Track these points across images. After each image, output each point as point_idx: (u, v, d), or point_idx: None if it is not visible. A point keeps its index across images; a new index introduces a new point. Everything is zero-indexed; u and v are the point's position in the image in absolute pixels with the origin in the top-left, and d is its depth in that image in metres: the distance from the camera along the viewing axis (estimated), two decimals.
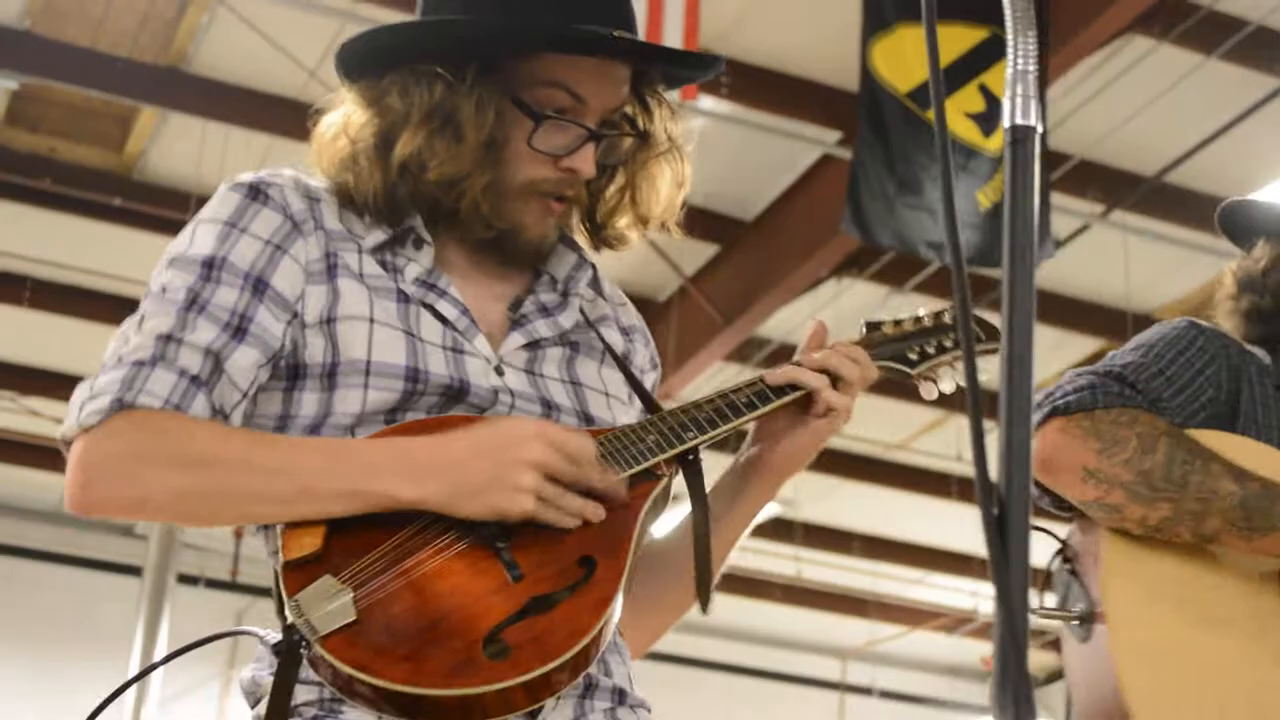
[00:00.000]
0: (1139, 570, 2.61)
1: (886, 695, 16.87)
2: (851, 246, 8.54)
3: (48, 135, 9.44)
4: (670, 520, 2.16)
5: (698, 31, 6.86)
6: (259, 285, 1.97)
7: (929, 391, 2.29)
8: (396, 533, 1.83)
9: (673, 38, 6.71)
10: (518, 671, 1.73)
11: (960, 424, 11.09)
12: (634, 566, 1.91)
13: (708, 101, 8.40)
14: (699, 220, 9.58)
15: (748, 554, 13.83)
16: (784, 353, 8.61)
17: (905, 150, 6.91)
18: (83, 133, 9.45)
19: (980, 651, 15.46)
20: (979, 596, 14.14)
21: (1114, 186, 9.02)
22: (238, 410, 1.94)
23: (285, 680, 1.77)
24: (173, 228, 5.99)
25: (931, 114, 6.24)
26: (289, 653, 1.77)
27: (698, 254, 9.95)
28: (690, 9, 6.80)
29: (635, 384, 2.16)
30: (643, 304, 10.30)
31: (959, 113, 6.81)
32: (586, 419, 2.07)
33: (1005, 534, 1.25)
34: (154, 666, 1.96)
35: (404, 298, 2.03)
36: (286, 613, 1.76)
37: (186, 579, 12.49)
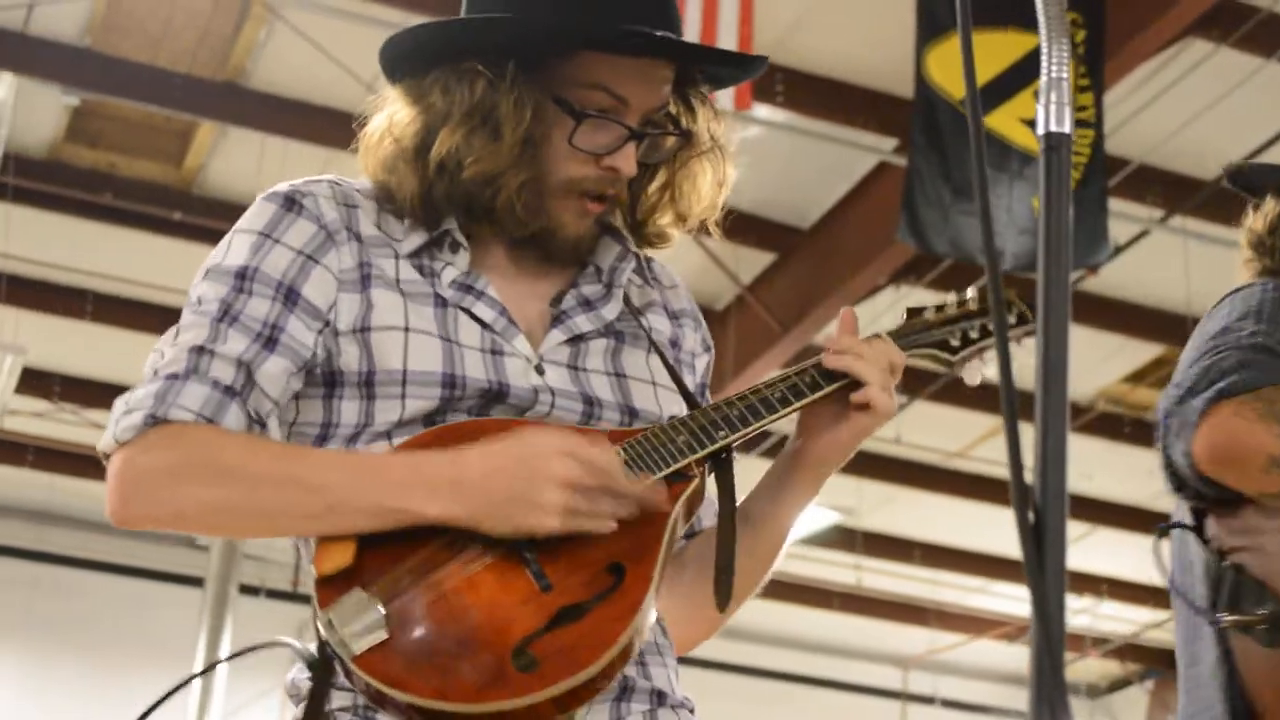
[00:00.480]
0: None
1: (948, 704, 16.78)
2: (910, 253, 8.50)
3: (108, 151, 9.52)
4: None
5: (752, 39, 6.85)
6: (290, 295, 1.99)
7: (973, 377, 2.25)
8: (426, 545, 1.84)
9: (727, 45, 6.70)
10: (545, 684, 1.73)
11: (1027, 434, 11.02)
12: (664, 569, 1.90)
13: (763, 110, 8.39)
14: (755, 229, 9.56)
15: (808, 563, 13.80)
16: None
17: (961, 157, 6.88)
18: (142, 148, 9.52)
19: None
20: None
21: (1174, 191, 8.95)
22: (273, 417, 1.96)
23: (319, 694, 1.80)
24: None
25: (989, 119, 6.21)
26: (322, 667, 1.79)
27: (755, 263, 9.93)
28: (744, 17, 6.79)
29: (674, 375, 2.13)
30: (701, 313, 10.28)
31: (1014, 119, 6.77)
32: (630, 412, 2.07)
33: (1041, 540, 1.24)
34: (184, 683, 1.97)
35: (441, 302, 2.04)
36: (318, 627, 1.77)
37: (248, 589, 12.56)
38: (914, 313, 2.26)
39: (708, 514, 2.16)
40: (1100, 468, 11.77)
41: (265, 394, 1.95)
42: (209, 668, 1.97)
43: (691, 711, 2.07)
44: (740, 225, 9.66)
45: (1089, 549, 13.13)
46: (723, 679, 15.18)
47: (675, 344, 2.22)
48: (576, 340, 2.10)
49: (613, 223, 2.17)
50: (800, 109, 8.49)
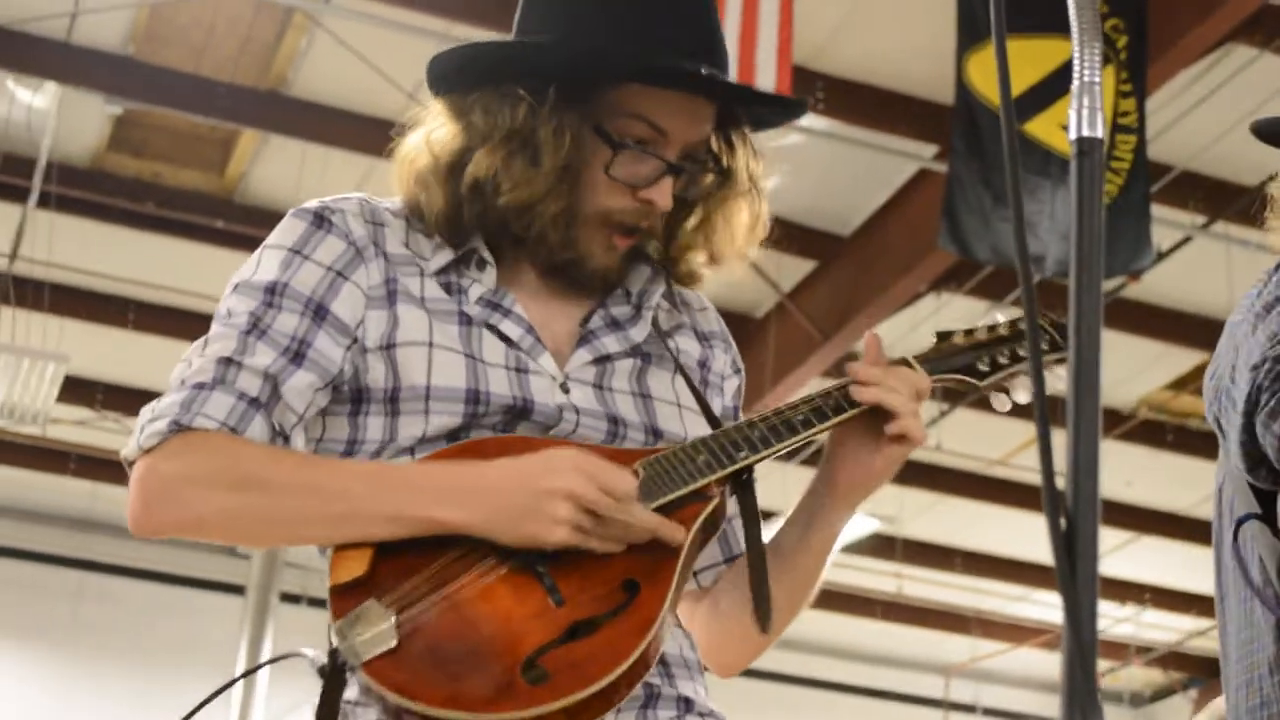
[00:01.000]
0: None
1: (990, 713, 16.71)
2: (950, 260, 8.48)
3: (151, 160, 9.57)
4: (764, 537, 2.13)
5: (791, 46, 6.83)
6: (319, 311, 2.00)
7: (1001, 403, 2.22)
8: (441, 556, 1.85)
9: (766, 55, 6.69)
10: (555, 697, 1.74)
11: (1062, 439, 10.98)
12: (679, 588, 1.90)
13: (804, 117, 8.38)
14: (796, 236, 9.54)
15: (849, 571, 13.77)
16: None
17: (1001, 163, 6.85)
18: (185, 157, 9.57)
19: None
20: None
21: (1216, 197, 8.91)
22: (297, 430, 1.97)
23: (330, 703, 1.80)
24: None
25: (1029, 126, 6.19)
26: (333, 676, 1.80)
27: (795, 270, 9.92)
28: (784, 24, 6.78)
29: (699, 398, 2.13)
30: (741, 321, 10.28)
31: (1055, 125, 6.75)
32: (655, 433, 2.06)
33: (1073, 548, 1.23)
34: (205, 701, 1.96)
35: (466, 320, 2.04)
36: (331, 636, 1.79)
37: (289, 597, 12.60)
38: (943, 337, 2.23)
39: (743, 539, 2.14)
40: (1142, 475, 11.72)
41: (290, 407, 1.96)
42: (226, 686, 1.96)
43: None
44: (780, 233, 9.58)
45: (1131, 557, 13.07)
46: (765, 687, 15.14)
47: (705, 365, 2.22)
48: (603, 360, 2.10)
49: (644, 248, 2.16)
50: (840, 116, 8.48)
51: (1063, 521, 1.25)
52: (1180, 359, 10.55)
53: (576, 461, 1.86)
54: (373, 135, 8.90)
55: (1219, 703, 3.04)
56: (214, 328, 2.01)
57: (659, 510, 1.91)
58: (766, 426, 2.03)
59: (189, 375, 1.96)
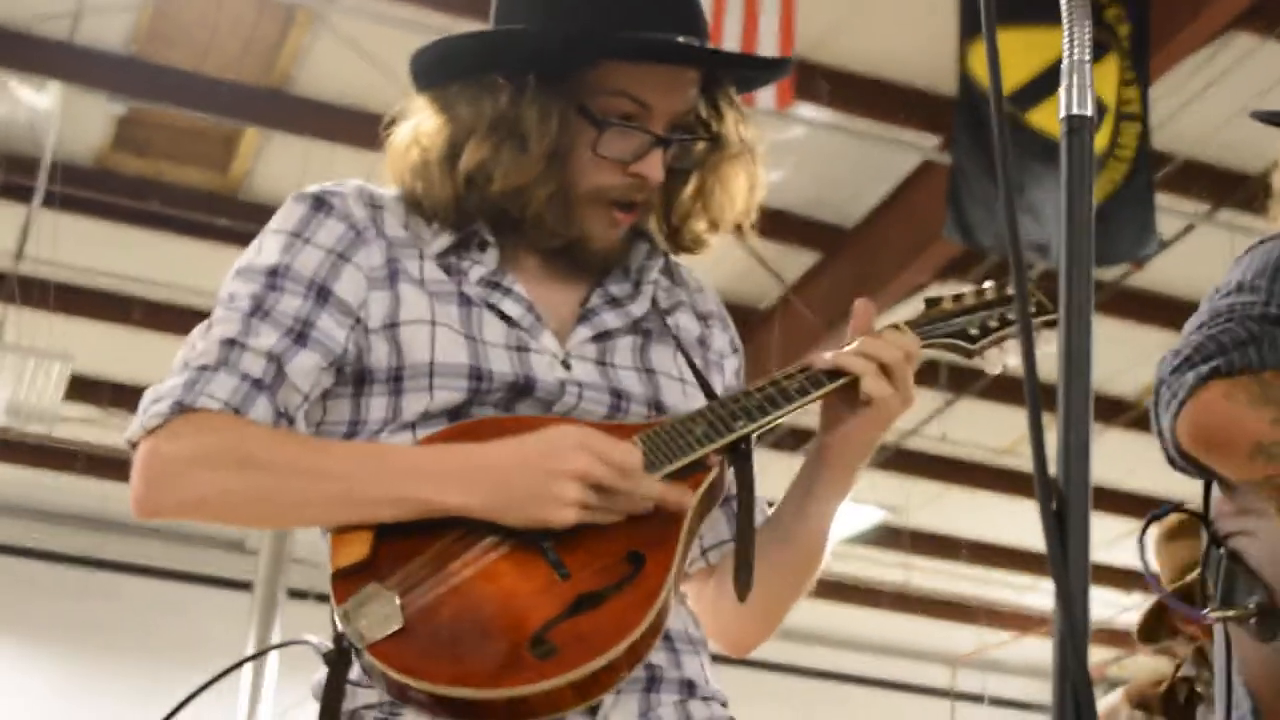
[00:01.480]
0: None
1: (997, 702, 16.72)
2: (954, 251, 8.49)
3: (154, 158, 9.58)
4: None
5: (793, 39, 6.84)
6: (322, 292, 2.01)
7: (993, 366, 2.22)
8: (443, 537, 1.85)
9: (768, 46, 6.69)
10: (563, 670, 1.73)
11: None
12: (683, 558, 1.90)
13: (806, 109, 8.38)
14: (800, 228, 9.54)
15: (856, 562, 13.77)
16: None
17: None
18: (189, 155, 9.57)
19: (1092, 658, 15.30)
20: (1092, 602, 13.96)
21: (1220, 185, 8.91)
22: (301, 412, 1.98)
23: (335, 687, 1.81)
24: None
25: (1032, 115, 6.19)
26: (339, 660, 1.80)
27: (799, 262, 9.92)
28: (786, 17, 6.78)
29: (699, 375, 2.14)
30: (745, 313, 10.29)
31: (1058, 114, 6.74)
32: (658, 407, 2.07)
33: (1065, 530, 1.23)
34: (193, 696, 1.97)
35: (465, 301, 2.05)
36: (335, 620, 1.78)
37: (297, 594, 12.59)
38: (932, 303, 2.23)
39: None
40: (1144, 464, 11.70)
41: (295, 388, 1.96)
42: (220, 675, 1.96)
43: (724, 705, 2.07)
44: (784, 225, 9.65)
45: (1134, 545, 13.04)
46: (772, 679, 15.15)
47: (704, 344, 2.23)
48: (604, 337, 2.11)
49: (642, 225, 2.17)
50: (843, 108, 8.48)
51: (1054, 504, 1.25)
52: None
53: (581, 439, 1.86)
54: (376, 132, 8.85)
55: (1110, 699, 3.07)
56: (216, 311, 2.02)
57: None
58: (763, 396, 2.03)
59: (192, 357, 1.97)
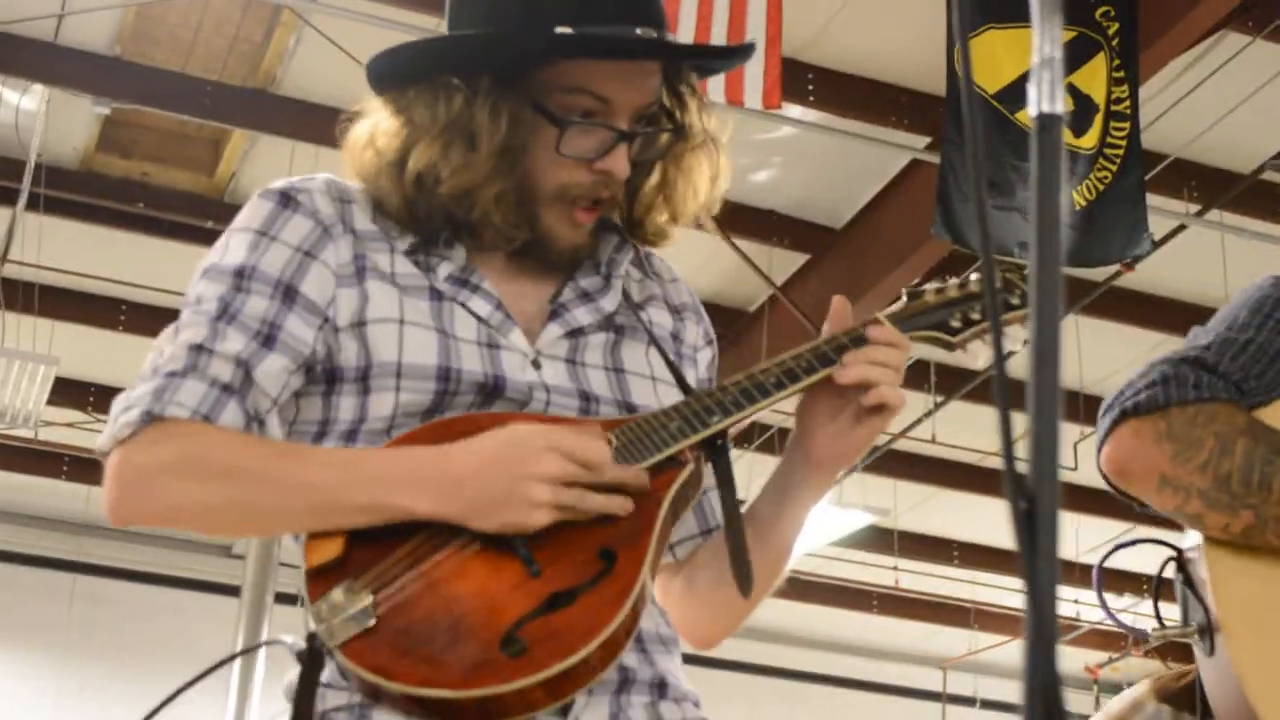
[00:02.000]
0: (1248, 576, 2.38)
1: (988, 705, 16.72)
2: (944, 251, 8.46)
3: (140, 160, 9.54)
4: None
5: (780, 39, 6.81)
6: (289, 292, 1.99)
7: (975, 359, 2.21)
8: (416, 535, 1.84)
9: (756, 30, 6.66)
10: (534, 669, 1.72)
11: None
12: (657, 555, 1.89)
13: (795, 109, 8.36)
14: (788, 229, 9.53)
15: (845, 565, 13.76)
16: None
17: (994, 151, 6.84)
18: (174, 157, 9.54)
19: (1084, 660, 15.30)
20: (1080, 604, 13.99)
21: (1210, 185, 8.89)
22: (273, 415, 1.96)
23: (307, 686, 1.80)
24: None
25: (1021, 115, 6.15)
26: (311, 659, 1.79)
27: (788, 263, 9.90)
28: (773, 17, 6.75)
29: (673, 369, 2.12)
30: (734, 315, 10.26)
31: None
32: (628, 407, 2.05)
33: (1034, 527, 1.22)
34: (179, 691, 1.97)
35: (436, 295, 2.03)
36: (308, 619, 1.78)
37: (285, 598, 12.56)
38: (914, 295, 2.22)
39: (719, 511, 2.14)
40: None
41: (264, 392, 1.95)
42: (200, 676, 1.95)
43: (696, 705, 2.05)
44: (773, 226, 9.64)
45: (1128, 548, 13.05)
46: (762, 682, 15.16)
47: (677, 338, 2.21)
48: (575, 334, 2.09)
49: (609, 218, 2.15)
50: (831, 108, 8.46)
51: (1023, 501, 1.23)
52: (1175, 348, 10.52)
53: (545, 439, 1.84)
54: None
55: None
56: (184, 314, 2.00)
57: None
58: (738, 390, 2.01)
59: (161, 363, 1.96)
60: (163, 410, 1.90)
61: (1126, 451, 2.43)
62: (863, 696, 16.60)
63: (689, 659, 2.11)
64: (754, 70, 6.59)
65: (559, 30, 1.98)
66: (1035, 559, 1.20)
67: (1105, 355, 10.26)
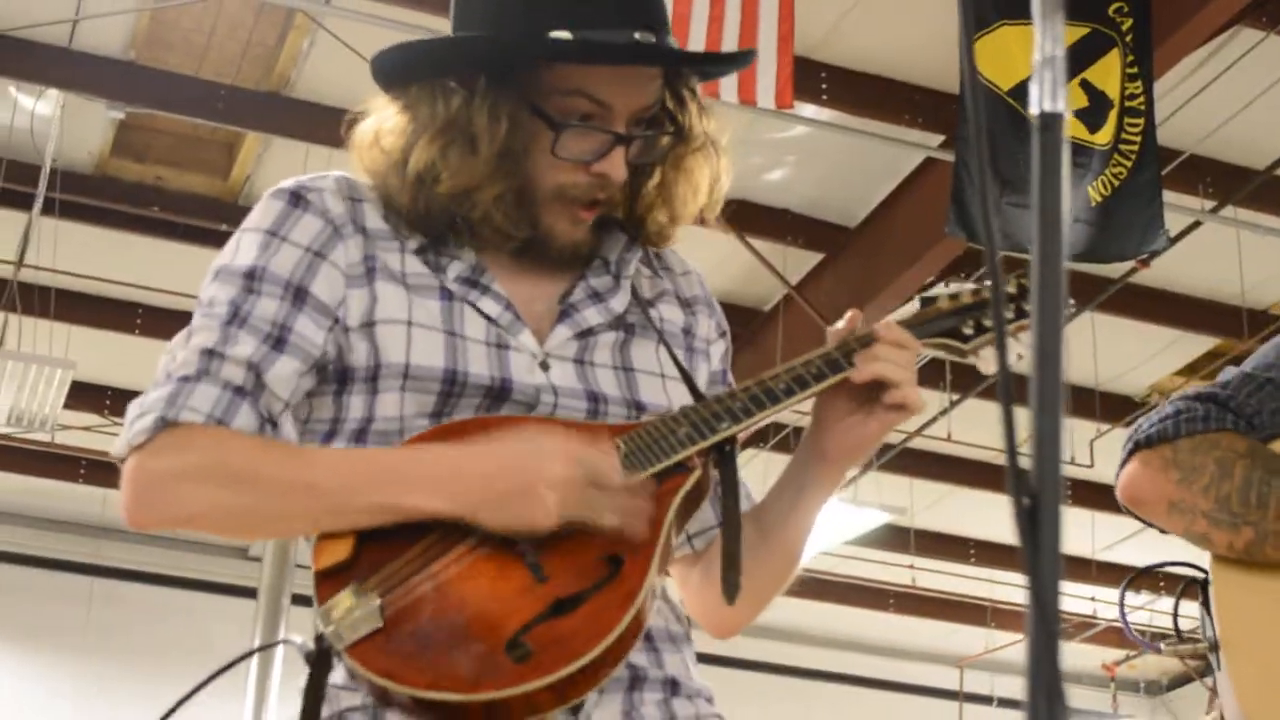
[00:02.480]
0: (1250, 594, 2.56)
1: (1005, 703, 16.68)
2: (958, 249, 8.45)
3: (154, 164, 9.56)
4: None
5: (793, 38, 6.80)
6: (299, 294, 1.99)
7: (987, 365, 2.20)
8: (424, 538, 1.85)
9: (767, 46, 6.65)
10: (540, 674, 1.73)
11: (1071, 426, 10.94)
12: (663, 560, 1.90)
13: (808, 109, 8.35)
14: (803, 228, 9.52)
15: (862, 564, 13.75)
16: None
17: (1009, 149, 6.82)
18: (188, 160, 9.56)
19: (1101, 657, 15.28)
20: (1097, 602, 13.97)
21: (1225, 181, 8.87)
22: (286, 416, 1.96)
23: (315, 688, 1.82)
24: None
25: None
26: (319, 661, 1.81)
27: (803, 262, 9.89)
28: (785, 16, 6.74)
29: (682, 369, 2.11)
30: (749, 314, 10.26)
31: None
32: (637, 407, 2.05)
33: (1036, 524, 1.22)
34: (190, 695, 1.97)
35: (447, 295, 2.03)
36: (316, 621, 1.79)
37: (301, 599, 12.58)
38: (927, 301, 2.23)
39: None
40: None
41: (276, 395, 1.96)
42: (209, 679, 1.96)
43: (710, 700, 2.07)
44: (787, 225, 9.63)
45: (1143, 544, 13.03)
46: (778, 681, 15.14)
47: (689, 332, 2.21)
48: (585, 334, 2.09)
49: (616, 216, 2.15)
50: (845, 107, 8.45)
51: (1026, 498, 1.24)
52: (1191, 345, 10.51)
53: (558, 444, 1.86)
54: None
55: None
56: (196, 318, 2.01)
57: None
58: (748, 396, 2.02)
59: (174, 368, 1.96)
60: (177, 416, 1.91)
61: (1137, 480, 2.65)
62: (879, 695, 16.57)
63: (703, 658, 2.12)
64: (766, 69, 6.59)
65: (557, 35, 1.99)
66: (1038, 555, 1.20)
67: (1121, 352, 10.24)
